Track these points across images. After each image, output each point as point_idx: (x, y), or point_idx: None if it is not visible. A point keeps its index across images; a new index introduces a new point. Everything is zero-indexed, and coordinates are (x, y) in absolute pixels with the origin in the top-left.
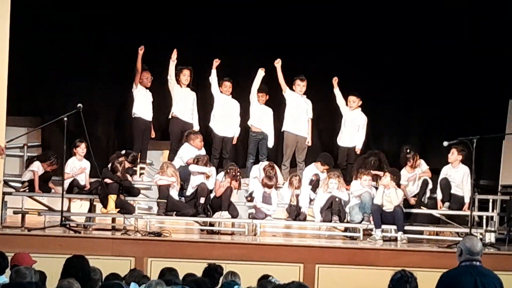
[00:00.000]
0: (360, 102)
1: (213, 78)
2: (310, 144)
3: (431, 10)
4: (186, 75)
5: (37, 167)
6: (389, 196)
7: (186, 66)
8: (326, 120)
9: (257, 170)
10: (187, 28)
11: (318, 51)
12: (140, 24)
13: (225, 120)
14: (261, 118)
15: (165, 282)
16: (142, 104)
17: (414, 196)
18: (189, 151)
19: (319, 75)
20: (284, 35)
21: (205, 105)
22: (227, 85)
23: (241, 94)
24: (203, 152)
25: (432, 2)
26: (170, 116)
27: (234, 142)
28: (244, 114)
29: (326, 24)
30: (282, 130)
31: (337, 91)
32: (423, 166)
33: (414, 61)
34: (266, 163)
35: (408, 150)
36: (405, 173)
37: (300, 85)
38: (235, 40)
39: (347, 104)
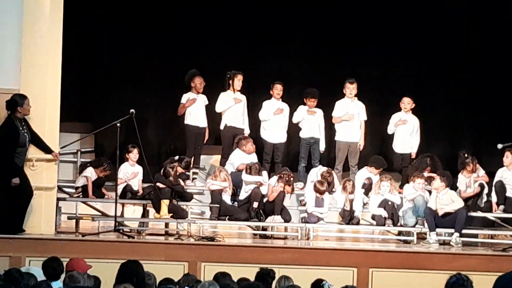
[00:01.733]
0: (414, 105)
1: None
2: (362, 147)
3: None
4: (240, 80)
5: (90, 173)
6: (442, 199)
7: (239, 71)
8: (378, 123)
9: (315, 175)
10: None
11: (365, 55)
12: (190, 31)
13: (276, 126)
14: (312, 124)
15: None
16: (195, 111)
17: (469, 199)
18: (240, 156)
19: (369, 79)
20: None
21: (254, 110)
22: (278, 87)
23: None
24: (254, 157)
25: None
26: (222, 127)
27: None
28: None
29: (368, 23)
30: (334, 139)
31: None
32: (480, 172)
33: (466, 63)
34: (325, 169)
35: (466, 155)
36: (463, 178)
37: (350, 87)
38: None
39: (399, 106)
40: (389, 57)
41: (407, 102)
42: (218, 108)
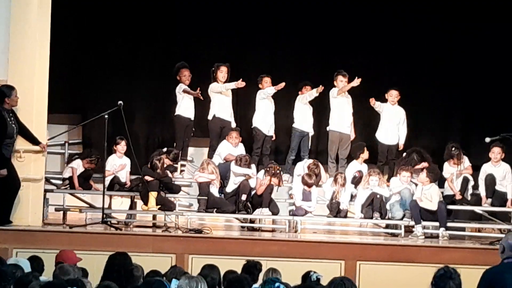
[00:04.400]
0: (399, 97)
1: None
2: (353, 137)
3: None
4: (223, 72)
5: (77, 165)
6: (425, 194)
7: (224, 63)
8: (369, 115)
9: (301, 168)
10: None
11: (354, 46)
12: (179, 22)
13: (268, 119)
14: (307, 118)
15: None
16: (184, 103)
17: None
18: (227, 147)
19: (357, 70)
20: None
21: (244, 103)
22: (268, 81)
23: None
24: (241, 148)
25: None
26: (210, 117)
27: (274, 138)
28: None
29: (359, 20)
30: (327, 129)
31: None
32: (465, 163)
33: (455, 56)
34: (311, 161)
35: (453, 148)
36: (447, 167)
37: (343, 81)
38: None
39: (386, 99)
40: (379, 49)
41: (395, 95)
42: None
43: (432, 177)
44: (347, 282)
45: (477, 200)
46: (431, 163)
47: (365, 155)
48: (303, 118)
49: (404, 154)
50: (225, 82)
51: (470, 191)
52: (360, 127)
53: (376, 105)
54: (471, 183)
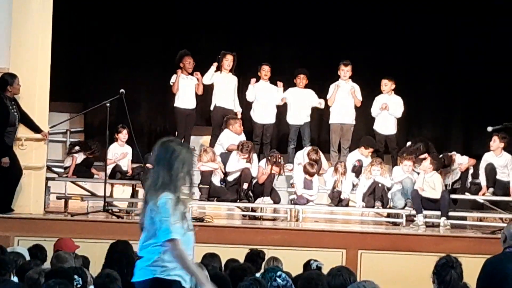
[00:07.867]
0: (394, 85)
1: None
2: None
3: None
4: (228, 60)
5: (78, 154)
6: (428, 182)
7: (230, 51)
8: (370, 105)
9: (301, 156)
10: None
11: (355, 37)
12: (182, 11)
13: (265, 107)
14: (298, 111)
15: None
16: (184, 93)
17: (456, 182)
18: (229, 137)
19: (359, 60)
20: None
21: (245, 92)
22: (266, 69)
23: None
24: (243, 138)
25: None
26: (212, 107)
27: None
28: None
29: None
30: (329, 123)
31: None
32: (463, 160)
33: (456, 45)
34: (310, 148)
35: (444, 159)
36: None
37: (344, 70)
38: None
39: (380, 88)
40: (381, 39)
41: (384, 84)
42: (205, 79)
43: (435, 164)
44: (344, 271)
45: (478, 189)
46: (435, 153)
47: (369, 151)
48: (292, 112)
49: (409, 143)
50: (230, 70)
51: (470, 179)
52: (366, 117)
53: (375, 110)
54: (471, 170)
